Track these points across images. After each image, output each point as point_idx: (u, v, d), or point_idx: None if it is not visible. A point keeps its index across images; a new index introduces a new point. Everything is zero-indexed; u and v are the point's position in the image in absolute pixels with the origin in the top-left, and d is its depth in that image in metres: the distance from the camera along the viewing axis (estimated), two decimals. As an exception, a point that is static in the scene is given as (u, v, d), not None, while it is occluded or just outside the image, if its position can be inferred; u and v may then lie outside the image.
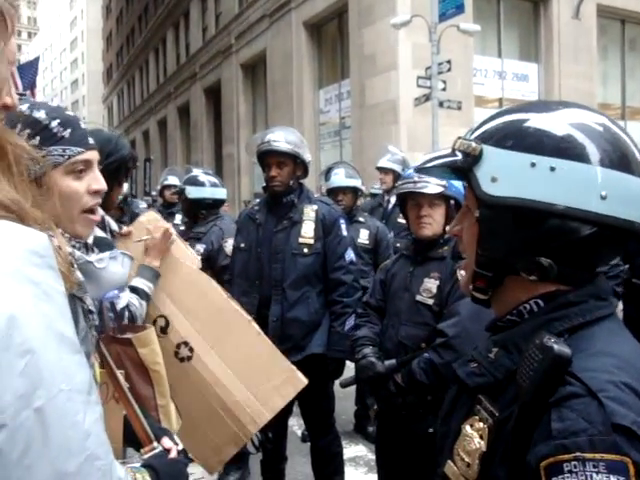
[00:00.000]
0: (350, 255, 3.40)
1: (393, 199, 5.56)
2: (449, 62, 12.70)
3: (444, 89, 12.92)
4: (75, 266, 1.13)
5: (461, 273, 1.09)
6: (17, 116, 1.34)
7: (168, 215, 5.79)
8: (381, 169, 5.90)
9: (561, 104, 1.00)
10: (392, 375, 2.58)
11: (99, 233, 1.85)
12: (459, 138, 1.02)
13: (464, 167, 0.98)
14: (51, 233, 0.73)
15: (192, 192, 4.41)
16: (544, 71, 17.79)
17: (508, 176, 0.92)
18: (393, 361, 2.60)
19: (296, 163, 3.32)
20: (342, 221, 3.44)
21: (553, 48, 17.52)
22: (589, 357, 0.86)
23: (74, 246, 1.42)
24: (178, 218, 5.73)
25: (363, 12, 16.27)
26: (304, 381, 2.30)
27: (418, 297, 2.63)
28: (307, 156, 3.38)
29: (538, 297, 0.96)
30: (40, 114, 1.41)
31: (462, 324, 2.35)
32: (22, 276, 0.61)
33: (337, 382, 3.28)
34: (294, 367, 2.31)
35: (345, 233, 3.42)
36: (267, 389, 2.19)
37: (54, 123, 1.41)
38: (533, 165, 0.90)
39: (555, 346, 0.83)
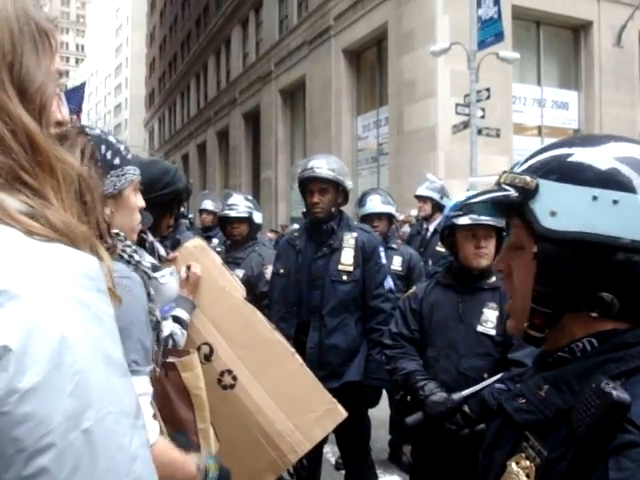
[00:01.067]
0: (389, 283, 3.40)
1: (432, 227, 5.54)
2: (488, 90, 12.69)
3: (483, 117, 12.90)
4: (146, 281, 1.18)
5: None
6: (99, 138, 1.53)
7: (206, 239, 5.86)
8: (420, 197, 5.90)
9: (609, 137, 0.98)
10: (460, 407, 2.53)
11: (148, 258, 1.90)
12: (505, 172, 1.01)
13: (518, 202, 0.96)
14: (99, 250, 0.75)
15: (256, 217, 4.56)
16: (584, 99, 17.66)
17: (569, 210, 0.91)
18: (462, 393, 2.53)
19: (337, 190, 3.35)
20: (381, 249, 3.45)
21: (594, 76, 17.39)
22: None
23: (138, 262, 1.51)
24: (215, 242, 5.80)
25: (402, 39, 16.41)
26: (344, 414, 2.30)
27: (479, 328, 2.62)
28: (348, 183, 3.41)
29: (592, 335, 0.93)
30: (111, 138, 1.60)
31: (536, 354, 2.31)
32: (73, 298, 0.62)
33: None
34: (335, 400, 2.31)
35: (384, 261, 3.43)
36: (308, 420, 2.20)
37: (122, 147, 1.60)
38: (595, 198, 0.89)
39: (614, 392, 0.80)
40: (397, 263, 4.68)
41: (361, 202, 4.90)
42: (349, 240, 3.33)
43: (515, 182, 0.97)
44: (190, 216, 8.03)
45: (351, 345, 3.25)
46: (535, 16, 16.84)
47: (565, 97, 17.75)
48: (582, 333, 0.94)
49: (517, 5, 15.74)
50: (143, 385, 1.40)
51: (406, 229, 7.06)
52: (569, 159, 0.94)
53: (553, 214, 0.91)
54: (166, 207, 2.09)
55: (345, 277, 3.27)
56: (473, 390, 2.52)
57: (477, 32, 12.92)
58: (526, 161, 1.00)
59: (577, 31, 17.76)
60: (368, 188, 5.77)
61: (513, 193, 0.97)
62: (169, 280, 1.52)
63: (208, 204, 6.69)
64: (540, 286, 0.96)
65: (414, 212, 7.19)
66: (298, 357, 2.31)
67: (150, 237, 2.02)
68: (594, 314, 0.91)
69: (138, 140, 58.23)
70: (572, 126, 17.82)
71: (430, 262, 5.00)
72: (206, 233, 6.48)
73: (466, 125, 13.00)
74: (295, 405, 2.20)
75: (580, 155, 0.94)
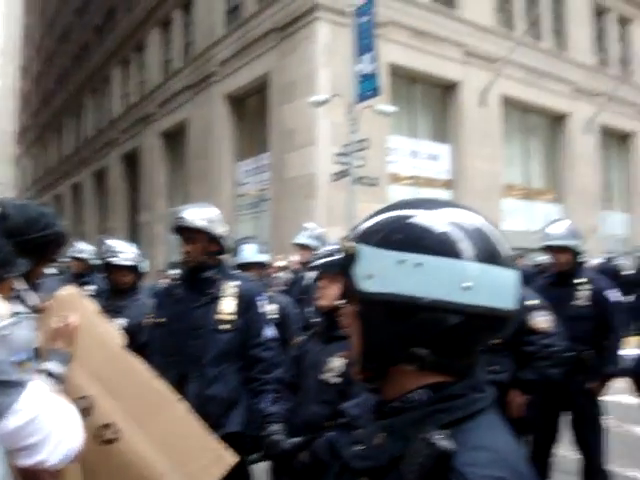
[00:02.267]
0: (270, 331, 3.43)
1: (309, 274, 5.65)
2: (366, 140, 13.23)
3: (361, 166, 13.38)
4: None
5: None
6: None
7: (82, 285, 5.63)
8: (299, 245, 6.01)
9: (433, 202, 1.05)
10: (297, 454, 2.61)
11: (16, 307, 1.83)
12: (343, 238, 1.11)
13: (344, 266, 1.04)
14: None
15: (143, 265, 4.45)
16: (454, 152, 18.84)
17: (380, 273, 0.98)
18: (299, 439, 2.63)
19: (209, 239, 3.33)
20: (261, 297, 3.47)
21: (462, 131, 18.65)
22: (469, 451, 0.89)
23: None
24: (92, 288, 5.58)
25: (284, 89, 16.83)
26: (233, 459, 2.29)
27: (321, 376, 2.72)
28: (220, 231, 3.36)
29: (424, 387, 0.99)
30: None
31: (363, 404, 2.38)
32: None
33: (249, 458, 3.26)
34: (222, 446, 2.29)
35: (263, 310, 3.45)
36: (196, 469, 2.16)
37: None
38: (401, 262, 0.96)
39: (439, 442, 0.87)
40: (272, 311, 4.71)
41: (235, 251, 4.88)
42: (230, 289, 3.33)
43: (343, 248, 1.07)
44: (63, 260, 7.67)
45: (232, 395, 3.23)
46: (411, 74, 17.91)
47: (437, 150, 18.87)
48: (413, 385, 1.00)
49: (394, 63, 16.70)
50: None
51: (287, 275, 7.13)
52: (387, 226, 1.01)
53: (370, 277, 0.99)
54: (42, 250, 2.00)
55: (226, 326, 3.25)
56: (309, 438, 2.61)
57: (356, 86, 13.52)
58: (357, 227, 1.08)
59: (447, 89, 19.03)
60: (245, 236, 5.80)
61: (341, 258, 1.07)
62: (13, 330, 1.46)
63: (79, 251, 6.46)
64: (364, 342, 1.04)
65: (296, 258, 7.31)
66: (183, 404, 2.27)
67: (20, 285, 1.93)
68: (410, 368, 0.99)
69: (5, 176, 55.02)
70: (443, 177, 18.93)
71: (312, 308, 5.08)
72: (80, 279, 6.23)
73: (345, 174, 13.42)
74: (182, 454, 2.15)
75: (396, 220, 1.01)
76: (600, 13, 24.52)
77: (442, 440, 0.87)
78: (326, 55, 15.85)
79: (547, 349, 3.79)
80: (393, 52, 16.53)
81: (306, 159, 15.81)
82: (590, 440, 4.29)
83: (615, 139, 25.10)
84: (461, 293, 0.94)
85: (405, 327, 0.97)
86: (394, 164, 17.35)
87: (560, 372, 3.97)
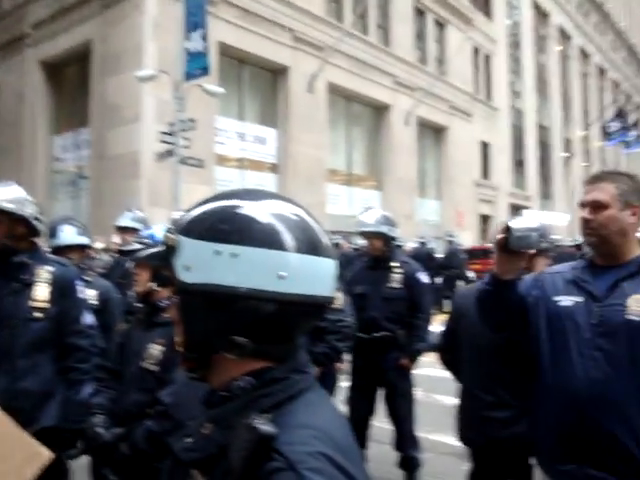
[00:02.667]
0: (87, 318, 3.26)
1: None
2: (192, 120, 12.97)
3: (187, 146, 13.12)
4: None
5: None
6: None
7: None
8: (120, 227, 5.77)
9: (259, 194, 1.08)
10: (119, 444, 2.55)
11: None
12: (167, 230, 1.11)
13: (165, 258, 1.05)
14: None
15: None
16: (281, 136, 19.08)
17: (197, 264, 1.00)
18: (120, 430, 2.57)
19: (15, 220, 3.05)
20: (78, 283, 3.29)
21: (290, 116, 18.93)
22: (291, 431, 0.93)
23: None
24: None
25: (108, 60, 15.96)
26: (48, 456, 2.16)
27: (143, 363, 2.68)
28: (28, 211, 3.09)
29: (248, 374, 1.01)
30: None
31: (178, 392, 2.35)
32: None
33: (67, 452, 3.09)
34: (36, 442, 2.16)
35: (81, 295, 3.28)
36: (6, 469, 2.01)
37: None
38: (217, 253, 0.98)
39: (260, 427, 0.90)
40: (92, 296, 4.49)
41: (52, 233, 4.54)
42: (44, 274, 3.11)
43: (165, 240, 1.08)
44: None
45: (46, 387, 3.02)
46: (240, 55, 17.80)
47: (264, 133, 18.99)
48: (237, 372, 1.02)
49: (224, 43, 16.49)
50: None
51: (107, 258, 6.82)
52: (205, 216, 1.03)
53: (187, 268, 1.00)
54: None
55: (39, 314, 3.04)
56: (128, 428, 2.59)
57: (184, 63, 13.18)
58: (180, 219, 1.08)
59: (276, 74, 19.19)
60: (62, 216, 5.43)
61: (162, 250, 1.08)
62: None
63: None
64: (185, 333, 1.06)
65: (117, 241, 7.00)
66: None
67: None
68: (231, 356, 1.01)
69: None
70: (270, 160, 19.15)
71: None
72: None
73: (170, 154, 13.09)
74: None
75: (216, 212, 1.03)
76: (421, 13, 26.11)
77: (262, 424, 0.90)
78: (155, 28, 15.25)
79: (337, 324, 4.10)
80: (223, 31, 16.32)
81: (130, 136, 15.15)
82: (402, 411, 4.62)
83: (431, 132, 26.99)
84: (277, 282, 0.98)
85: (224, 316, 0.99)
86: (221, 146, 17.22)
87: (348, 345, 4.34)
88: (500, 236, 2.13)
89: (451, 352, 3.30)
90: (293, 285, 0.99)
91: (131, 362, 2.74)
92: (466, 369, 3.14)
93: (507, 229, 2.11)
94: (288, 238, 1.00)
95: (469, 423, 3.07)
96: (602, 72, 46.78)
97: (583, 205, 2.21)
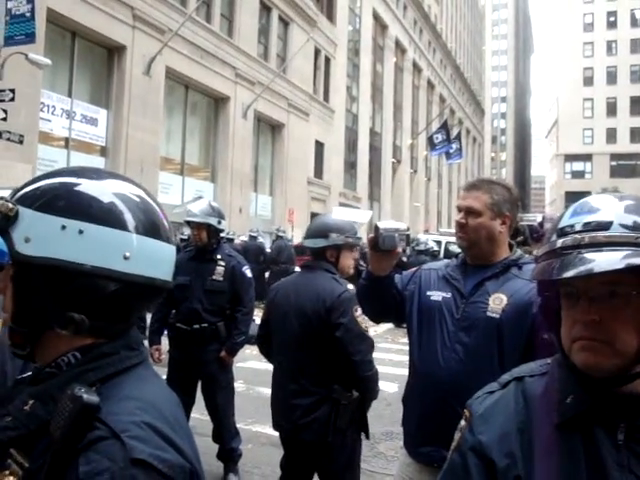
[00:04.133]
0: None
1: None
2: (13, 91, 11.95)
3: (4, 119, 12.04)
4: None
5: None
6: None
7: None
8: None
9: (104, 173, 1.09)
10: None
11: None
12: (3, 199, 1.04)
13: (1, 228, 0.99)
14: None
15: None
16: (113, 119, 18.16)
17: (40, 237, 0.97)
18: None
19: None
20: None
21: (124, 98, 18.05)
22: (117, 402, 0.93)
23: None
24: None
25: None
26: None
27: None
28: None
29: (76, 349, 1.00)
30: None
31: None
32: None
33: None
34: None
35: None
36: None
37: None
38: (63, 228, 0.96)
39: (84, 395, 0.89)
40: None
41: None
42: None
43: (2, 209, 1.01)
44: None
45: None
46: (72, 26, 16.64)
47: (95, 113, 17.93)
48: (65, 348, 1.00)
49: (53, 10, 15.26)
50: None
51: None
52: (51, 191, 1.00)
53: (27, 240, 0.97)
54: None
55: None
56: None
57: (5, 27, 12.06)
58: (21, 188, 1.04)
59: (112, 52, 18.24)
60: None
61: None
62: None
63: None
64: (17, 307, 1.01)
65: None
66: None
67: None
68: (65, 332, 0.99)
69: None
70: (100, 143, 18.15)
71: None
72: None
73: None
74: None
75: (63, 186, 1.01)
76: (267, 9, 26.21)
77: (86, 393, 0.89)
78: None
79: None
80: (54, -2, 15.15)
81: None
82: (221, 404, 4.58)
83: (268, 127, 27.21)
84: (121, 262, 0.98)
85: (63, 292, 0.98)
86: (46, 122, 16.01)
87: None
88: (371, 236, 2.29)
89: (267, 343, 3.37)
90: (136, 266, 1.00)
91: None
92: (276, 359, 3.30)
93: (376, 229, 2.26)
94: (130, 219, 1.00)
95: (278, 410, 3.23)
96: (431, 86, 50.12)
97: (459, 209, 2.36)
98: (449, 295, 2.33)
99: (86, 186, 1.01)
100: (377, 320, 2.75)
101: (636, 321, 1.03)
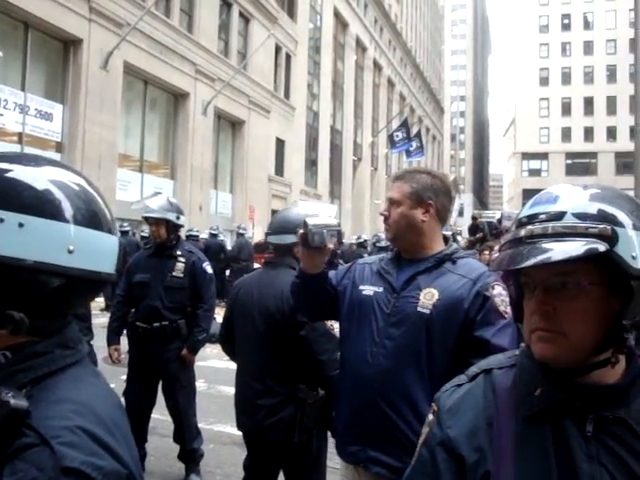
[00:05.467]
0: None
1: None
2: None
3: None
4: None
5: None
6: None
7: None
8: None
9: (41, 160, 1.01)
10: None
11: None
12: None
13: None
14: None
15: None
16: (69, 114, 17.75)
17: None
18: None
19: None
20: None
21: (80, 93, 17.66)
22: (49, 405, 0.87)
23: None
24: None
25: None
26: None
27: None
28: None
29: (6, 348, 0.93)
30: None
31: None
32: None
33: None
34: None
35: None
36: None
37: None
38: (1, 221, 0.90)
39: (11, 400, 0.83)
40: None
41: None
42: None
43: None
44: None
45: None
46: (24, 16, 16.14)
47: (50, 108, 17.48)
48: None
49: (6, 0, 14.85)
50: None
51: None
52: None
53: None
54: None
55: None
56: None
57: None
58: None
59: (67, 45, 17.82)
60: None
61: None
62: None
63: None
64: None
65: None
66: None
67: None
68: (3, 331, 0.92)
69: None
70: (55, 138, 17.72)
71: None
72: None
73: None
74: None
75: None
76: (227, 5, 25.96)
77: (14, 398, 0.84)
78: None
79: None
80: (5, -12, 14.70)
81: None
82: (182, 403, 4.49)
83: (228, 124, 26.99)
84: (65, 256, 0.93)
85: (2, 289, 0.91)
86: (-1, 117, 15.56)
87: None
88: (300, 232, 2.17)
89: (230, 342, 3.30)
90: (81, 260, 0.95)
91: None
92: (239, 358, 3.22)
93: (305, 226, 2.16)
94: (70, 209, 0.95)
95: (242, 410, 3.15)
96: (391, 85, 50.45)
97: (386, 202, 2.32)
98: (381, 289, 2.23)
99: (19, 173, 0.94)
100: (313, 318, 2.66)
101: (591, 312, 1.01)
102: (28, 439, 0.83)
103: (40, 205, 0.92)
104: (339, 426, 2.33)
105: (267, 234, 3.27)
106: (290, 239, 3.00)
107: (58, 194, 0.94)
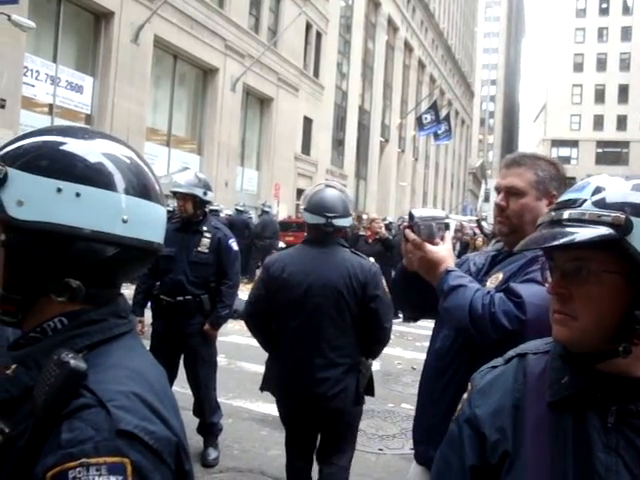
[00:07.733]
0: None
1: None
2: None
3: (-12, 81, 11.79)
4: None
5: None
6: None
7: None
8: None
9: (93, 133, 1.05)
10: None
11: None
12: None
13: None
14: None
15: None
16: (99, 86, 17.83)
17: (35, 200, 0.92)
18: None
19: None
20: None
21: (110, 66, 17.71)
22: (104, 370, 0.90)
23: None
24: None
25: None
26: None
27: None
28: None
29: (63, 315, 0.96)
30: None
31: None
32: None
33: None
34: None
35: None
36: None
37: None
38: (59, 190, 0.92)
39: (71, 361, 0.86)
40: None
41: None
42: None
43: None
44: None
45: None
46: (57, -11, 16.20)
47: (80, 80, 17.56)
48: (52, 314, 0.97)
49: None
50: None
51: None
52: (41, 150, 0.96)
53: (20, 203, 0.92)
54: None
55: None
56: None
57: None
58: (5, 147, 0.99)
59: (99, 18, 17.84)
60: None
61: None
62: None
63: None
64: (9, 274, 0.97)
65: None
66: None
67: None
68: (62, 299, 0.95)
69: None
70: (85, 111, 17.83)
71: None
72: None
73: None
74: None
75: (56, 146, 0.97)
76: (259, -21, 25.77)
77: (73, 359, 0.87)
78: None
79: None
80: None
81: None
82: (203, 377, 4.53)
83: (257, 101, 26.93)
84: (120, 225, 0.96)
85: (59, 257, 0.94)
86: (30, 88, 15.65)
87: None
88: (405, 225, 1.98)
89: (261, 319, 3.28)
90: (134, 230, 0.98)
91: None
92: (285, 335, 3.19)
93: (411, 218, 1.94)
94: (122, 180, 0.98)
95: (296, 384, 3.17)
96: (422, 66, 49.85)
97: (498, 190, 2.02)
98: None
99: (74, 146, 0.97)
100: (416, 318, 2.39)
101: (604, 300, 1.01)
102: (85, 399, 0.85)
103: (95, 176, 0.95)
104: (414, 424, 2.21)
105: (331, 217, 3.13)
106: (350, 221, 3.29)
107: (111, 166, 0.98)
